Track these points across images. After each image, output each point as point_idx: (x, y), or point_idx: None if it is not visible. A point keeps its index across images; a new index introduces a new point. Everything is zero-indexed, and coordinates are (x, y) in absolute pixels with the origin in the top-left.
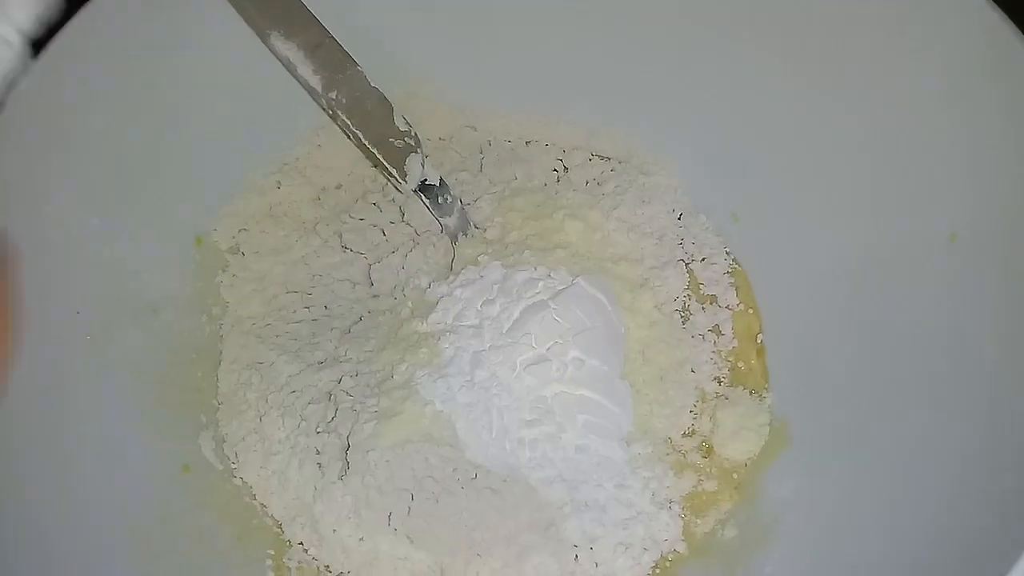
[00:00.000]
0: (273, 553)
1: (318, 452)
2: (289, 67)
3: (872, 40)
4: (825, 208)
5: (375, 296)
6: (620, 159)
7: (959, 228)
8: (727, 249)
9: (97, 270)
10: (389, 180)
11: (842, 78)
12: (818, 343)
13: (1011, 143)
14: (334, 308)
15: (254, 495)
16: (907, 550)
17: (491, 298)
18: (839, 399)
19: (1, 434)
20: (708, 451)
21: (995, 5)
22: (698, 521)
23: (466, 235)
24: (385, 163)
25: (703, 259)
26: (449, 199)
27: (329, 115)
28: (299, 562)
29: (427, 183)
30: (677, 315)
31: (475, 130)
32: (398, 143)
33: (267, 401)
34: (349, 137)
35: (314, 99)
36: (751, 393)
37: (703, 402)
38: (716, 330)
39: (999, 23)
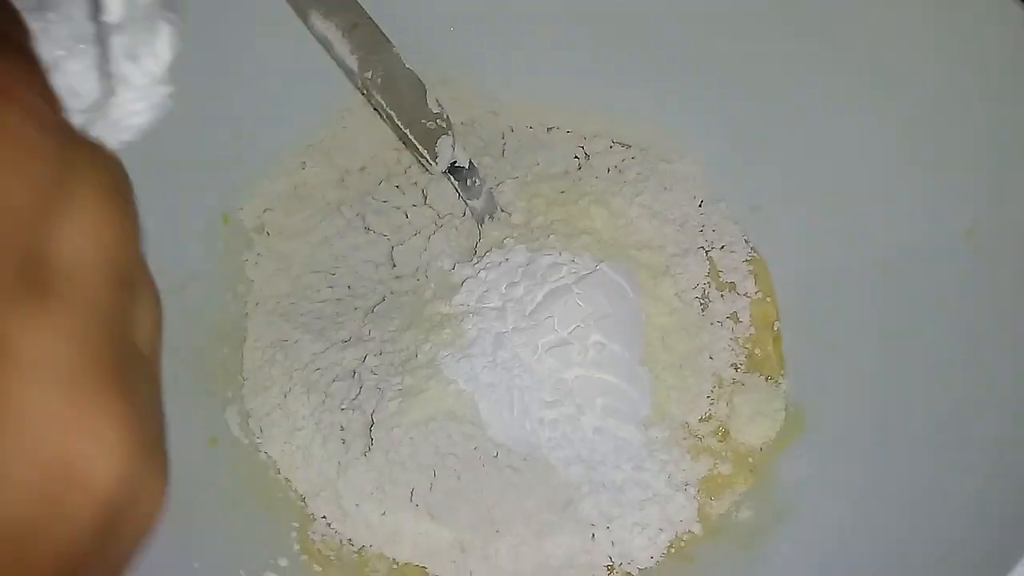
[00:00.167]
0: (298, 526)
1: (342, 428)
2: (327, 46)
3: (895, 35)
4: (843, 200)
5: (397, 277)
6: (641, 147)
7: (977, 223)
8: (746, 238)
9: None
10: (419, 161)
11: (864, 72)
12: (833, 331)
13: None
14: (357, 288)
15: (279, 469)
16: (920, 533)
17: (515, 281)
18: (853, 386)
19: None
20: (724, 435)
21: (1020, 3)
22: (713, 503)
23: (492, 218)
24: (417, 144)
25: (722, 247)
26: (478, 182)
27: (363, 94)
28: (323, 535)
29: (456, 165)
30: (697, 302)
31: (497, 115)
32: (430, 124)
33: (291, 378)
34: (382, 117)
35: (349, 78)
36: (767, 379)
37: (720, 388)
38: (734, 317)
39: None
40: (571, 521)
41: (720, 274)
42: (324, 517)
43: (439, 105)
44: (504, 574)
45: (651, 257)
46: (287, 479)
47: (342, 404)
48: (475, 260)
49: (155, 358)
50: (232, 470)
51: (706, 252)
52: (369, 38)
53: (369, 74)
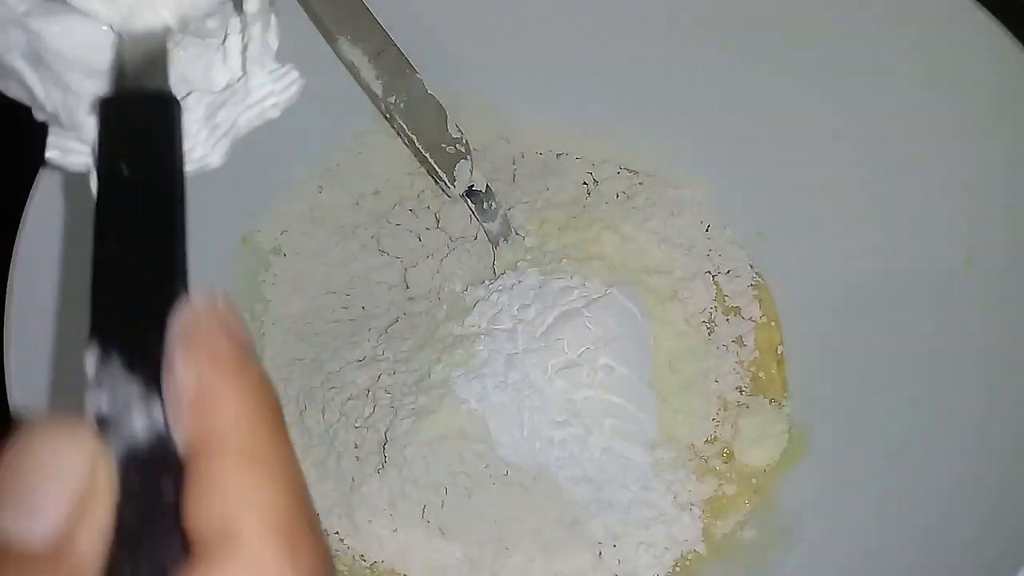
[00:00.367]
0: None
1: (356, 446)
2: (352, 71)
3: (895, 68)
4: (845, 227)
5: (411, 299)
6: (648, 173)
7: (975, 252)
8: (751, 263)
9: None
10: (438, 183)
11: (864, 103)
12: (835, 356)
13: None
14: (372, 309)
15: None
16: (923, 554)
17: (527, 303)
18: (855, 409)
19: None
20: (729, 457)
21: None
22: (717, 523)
23: (507, 241)
24: (436, 167)
25: (728, 271)
26: (494, 205)
27: (386, 118)
28: (335, 551)
29: (474, 189)
30: (704, 326)
31: (508, 142)
32: (450, 149)
33: (307, 396)
34: (403, 140)
35: (374, 102)
36: (771, 402)
37: (725, 410)
38: (739, 341)
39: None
40: (579, 539)
41: (726, 298)
42: (337, 533)
43: (459, 130)
44: None
45: (659, 282)
46: None
47: (356, 422)
48: (492, 280)
49: None
50: None
51: (712, 277)
52: (394, 64)
53: (393, 99)
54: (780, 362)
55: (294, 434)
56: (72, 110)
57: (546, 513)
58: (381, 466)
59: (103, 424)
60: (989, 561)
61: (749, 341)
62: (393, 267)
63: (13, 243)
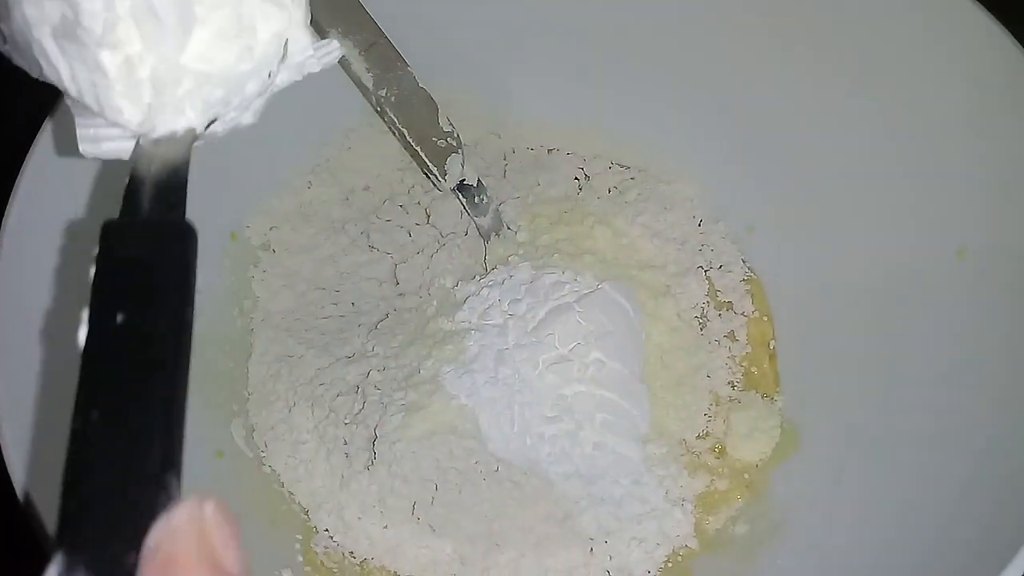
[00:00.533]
0: (301, 538)
1: (345, 443)
2: (344, 64)
3: (889, 57)
4: (836, 221)
5: (401, 294)
6: (639, 168)
7: (967, 244)
8: (743, 258)
9: None
10: (428, 178)
11: (857, 96)
12: (827, 350)
13: (1022, 161)
14: (361, 305)
15: (282, 482)
16: (914, 547)
17: (518, 298)
18: (847, 403)
19: (43, 422)
20: (721, 452)
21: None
22: (709, 518)
23: (498, 235)
24: (427, 161)
25: (720, 266)
26: (485, 199)
27: (377, 112)
28: (325, 548)
29: (465, 183)
30: (696, 321)
31: (499, 137)
32: (441, 143)
33: (296, 392)
34: (394, 134)
35: (364, 96)
36: (763, 397)
37: (717, 405)
38: (731, 336)
39: (1012, 48)
40: (570, 535)
41: (718, 293)
42: (327, 530)
43: (450, 124)
44: None
45: (652, 277)
46: (290, 492)
47: (345, 419)
48: (483, 276)
49: None
50: (237, 483)
51: (704, 272)
52: (385, 57)
53: (384, 92)
54: (772, 357)
55: (283, 430)
56: (100, 90)
57: (537, 509)
58: (371, 462)
59: None
60: (980, 555)
61: (741, 336)
62: (383, 263)
63: None
